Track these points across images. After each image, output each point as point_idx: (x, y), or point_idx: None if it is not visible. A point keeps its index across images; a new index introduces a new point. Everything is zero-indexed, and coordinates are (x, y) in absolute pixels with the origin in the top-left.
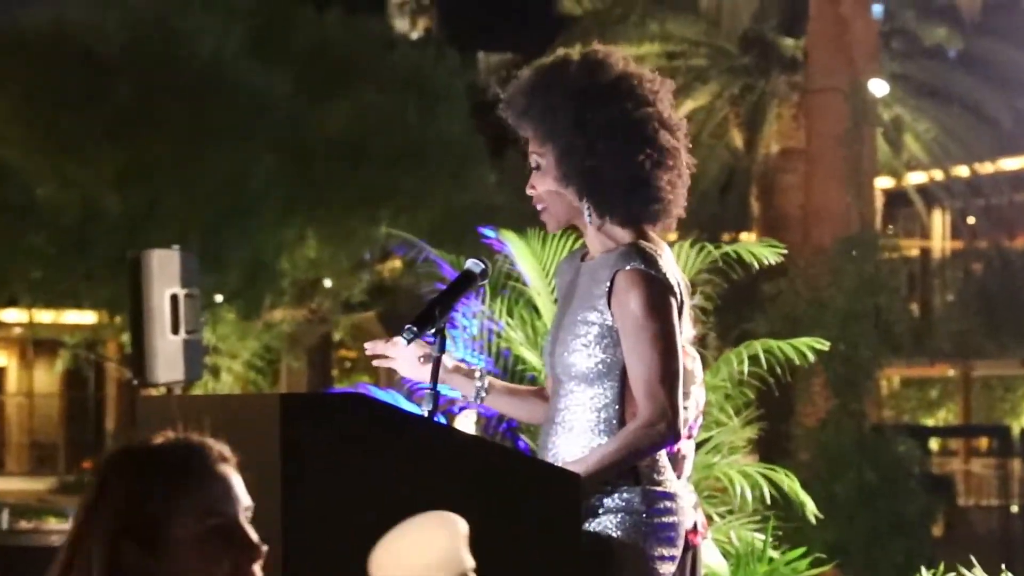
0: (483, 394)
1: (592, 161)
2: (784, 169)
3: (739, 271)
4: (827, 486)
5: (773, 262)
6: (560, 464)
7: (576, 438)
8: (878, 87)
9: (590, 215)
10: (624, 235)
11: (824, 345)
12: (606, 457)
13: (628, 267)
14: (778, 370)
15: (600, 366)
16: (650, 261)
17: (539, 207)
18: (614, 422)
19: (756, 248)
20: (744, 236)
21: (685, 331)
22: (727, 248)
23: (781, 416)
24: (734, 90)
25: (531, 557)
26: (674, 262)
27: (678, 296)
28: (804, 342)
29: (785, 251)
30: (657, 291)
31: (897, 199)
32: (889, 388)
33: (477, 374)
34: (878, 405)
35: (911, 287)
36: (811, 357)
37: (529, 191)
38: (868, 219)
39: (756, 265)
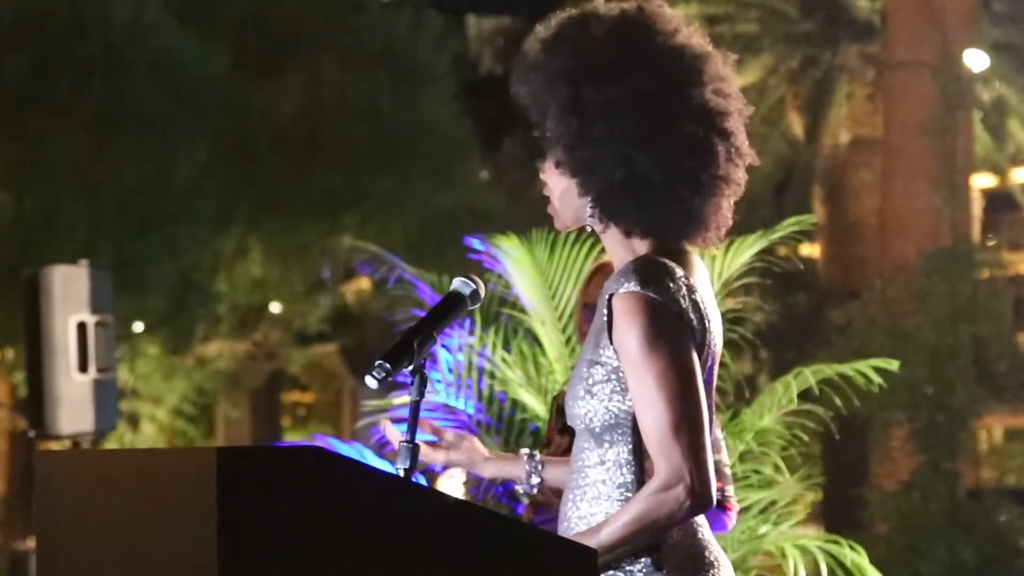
0: (537, 476)
1: (583, 150)
2: (856, 164)
3: (795, 288)
4: (911, 565)
5: (820, 251)
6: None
7: (589, 507)
8: (976, 60)
9: (592, 218)
10: (641, 244)
11: (892, 364)
12: (614, 532)
13: (622, 290)
14: (842, 407)
15: (607, 417)
16: (650, 280)
17: (547, 195)
18: (632, 487)
19: (791, 226)
20: (805, 250)
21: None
22: (757, 238)
23: (852, 477)
24: (793, 64)
25: None
26: (706, 283)
27: (696, 326)
28: (869, 364)
29: (815, 225)
30: (659, 319)
31: (1000, 202)
32: (989, 442)
33: (525, 456)
34: (975, 464)
35: (1018, 314)
36: (878, 382)
37: (542, 175)
38: (963, 228)
39: (813, 277)
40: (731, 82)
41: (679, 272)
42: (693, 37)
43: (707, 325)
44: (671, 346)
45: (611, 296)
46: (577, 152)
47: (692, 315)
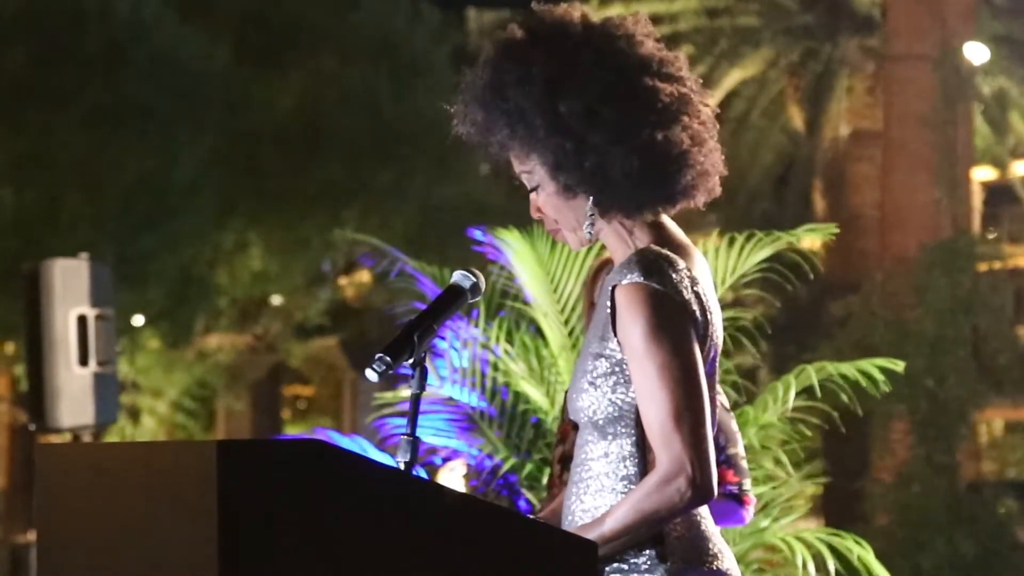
0: None
1: (590, 159)
2: (856, 157)
3: (796, 281)
4: (911, 558)
5: (821, 243)
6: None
7: (593, 500)
8: (976, 53)
9: (591, 225)
10: (642, 236)
11: (897, 365)
12: (616, 523)
13: (625, 281)
14: (846, 404)
15: (611, 409)
16: (653, 271)
17: (552, 231)
18: (636, 479)
19: (808, 232)
20: (806, 242)
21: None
22: (765, 236)
23: (853, 470)
24: (793, 57)
25: None
26: (707, 275)
27: (699, 317)
28: (874, 364)
29: (835, 232)
30: (662, 309)
31: (1000, 195)
32: (989, 434)
33: None
34: (975, 456)
35: (1018, 307)
36: (883, 385)
37: (535, 215)
38: (963, 221)
39: (814, 270)
40: (652, 37)
41: (681, 263)
42: (604, 17)
43: (709, 317)
44: (673, 337)
45: (614, 288)
46: (587, 165)
47: (695, 306)
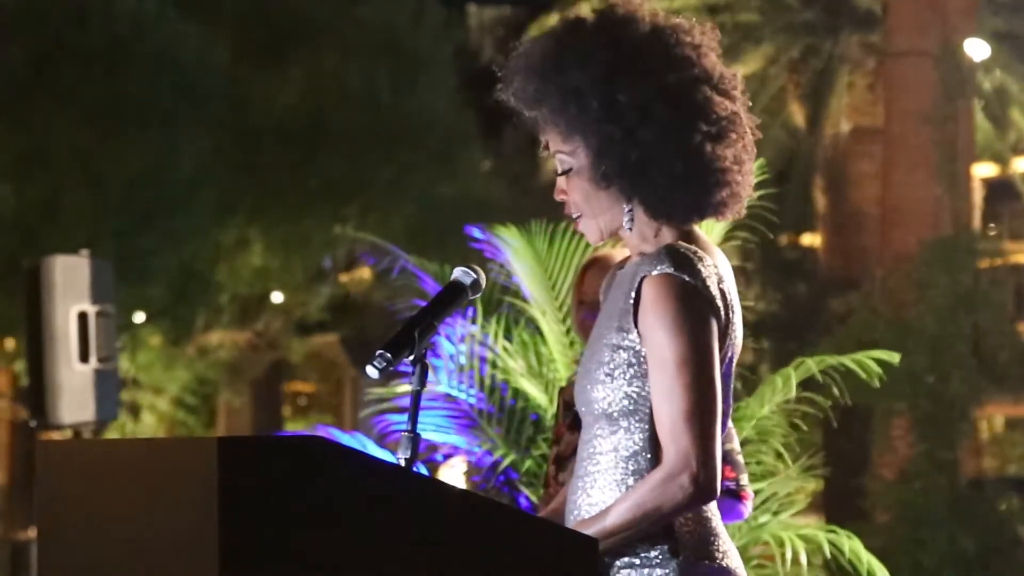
0: None
1: (636, 153)
2: (857, 154)
3: (787, 269)
4: (912, 554)
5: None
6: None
7: (601, 494)
8: (977, 49)
9: (631, 220)
10: (667, 234)
11: (893, 357)
12: (619, 517)
13: (654, 272)
14: (842, 398)
15: (626, 402)
16: (683, 263)
17: (575, 215)
18: (645, 474)
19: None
20: (807, 239)
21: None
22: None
23: (853, 467)
24: (793, 53)
25: None
26: (731, 275)
27: (721, 314)
28: (870, 355)
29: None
30: (690, 302)
31: (1001, 191)
32: (990, 431)
33: None
34: (976, 453)
35: (1019, 303)
36: (879, 374)
37: (559, 197)
38: (964, 217)
39: (816, 265)
40: (716, 51)
41: (709, 259)
42: (673, 19)
43: (731, 316)
44: (696, 332)
45: (643, 278)
46: (632, 157)
47: (719, 303)
